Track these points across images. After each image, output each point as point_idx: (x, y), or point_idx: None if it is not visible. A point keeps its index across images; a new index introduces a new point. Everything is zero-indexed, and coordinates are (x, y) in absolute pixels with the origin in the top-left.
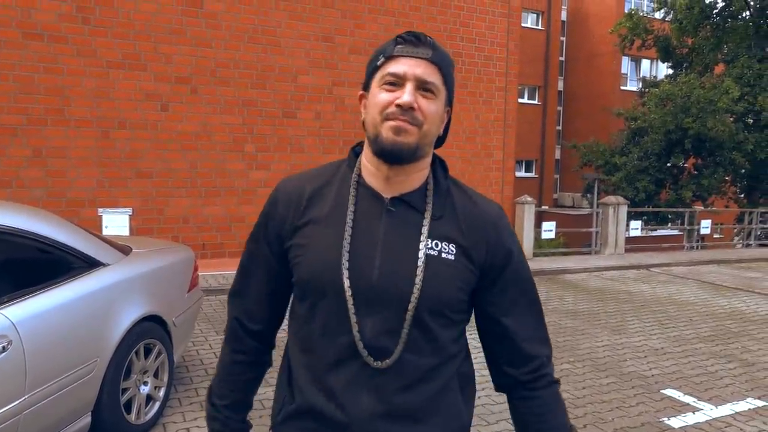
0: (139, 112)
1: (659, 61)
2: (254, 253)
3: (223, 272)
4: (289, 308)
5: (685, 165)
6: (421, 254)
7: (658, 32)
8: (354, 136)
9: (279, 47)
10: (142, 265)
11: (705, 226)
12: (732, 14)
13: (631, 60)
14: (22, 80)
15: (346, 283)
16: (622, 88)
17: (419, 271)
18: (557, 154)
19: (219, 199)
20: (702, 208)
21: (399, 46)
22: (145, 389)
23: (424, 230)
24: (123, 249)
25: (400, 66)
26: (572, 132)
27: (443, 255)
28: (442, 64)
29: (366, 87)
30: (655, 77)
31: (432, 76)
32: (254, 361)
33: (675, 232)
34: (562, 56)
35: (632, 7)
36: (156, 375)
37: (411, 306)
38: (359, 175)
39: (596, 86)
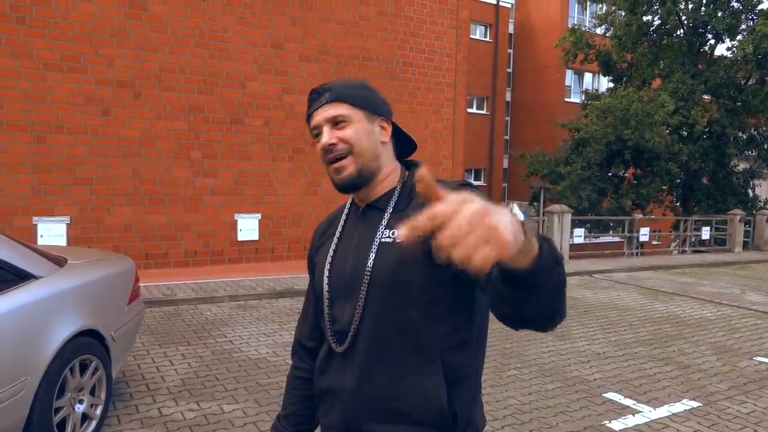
0: (78, 116)
1: (601, 74)
2: (309, 281)
3: (168, 283)
4: None
5: (625, 174)
6: (374, 244)
7: (599, 47)
8: (303, 144)
9: (227, 53)
10: (77, 277)
11: (644, 234)
12: (667, 32)
13: (575, 73)
14: None
15: (325, 281)
16: (566, 99)
17: (371, 257)
18: (505, 163)
19: (163, 207)
20: (641, 216)
21: (309, 108)
22: (80, 408)
23: (383, 223)
24: (57, 260)
25: (314, 120)
26: (520, 142)
27: (398, 240)
28: (343, 95)
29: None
30: (597, 90)
31: (337, 110)
32: (311, 378)
33: (616, 239)
34: (509, 68)
35: (575, 23)
36: (93, 392)
37: (362, 289)
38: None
39: (542, 97)
